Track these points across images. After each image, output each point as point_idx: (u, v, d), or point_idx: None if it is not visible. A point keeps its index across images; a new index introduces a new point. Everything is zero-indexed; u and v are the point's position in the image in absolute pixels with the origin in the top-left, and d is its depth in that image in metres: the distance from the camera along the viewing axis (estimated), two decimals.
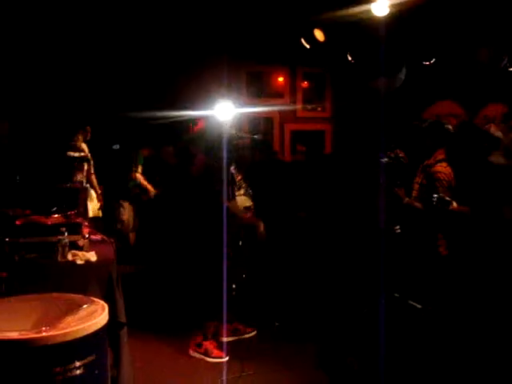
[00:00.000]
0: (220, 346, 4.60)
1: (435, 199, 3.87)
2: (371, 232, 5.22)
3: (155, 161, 7.45)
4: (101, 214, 6.79)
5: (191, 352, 4.56)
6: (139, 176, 7.12)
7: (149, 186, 7.19)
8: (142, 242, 7.41)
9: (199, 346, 4.55)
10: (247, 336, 4.93)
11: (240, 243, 4.56)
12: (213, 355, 4.46)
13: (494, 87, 7.31)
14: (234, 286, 4.51)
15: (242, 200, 4.72)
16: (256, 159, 5.74)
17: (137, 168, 7.09)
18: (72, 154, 6.19)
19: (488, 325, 3.49)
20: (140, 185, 7.13)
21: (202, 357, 4.48)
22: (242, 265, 4.63)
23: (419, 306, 3.69)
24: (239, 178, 4.78)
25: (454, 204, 3.87)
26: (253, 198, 4.85)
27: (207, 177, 4.50)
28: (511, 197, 4.12)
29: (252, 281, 5.50)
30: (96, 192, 6.64)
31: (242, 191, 4.75)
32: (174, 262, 6.36)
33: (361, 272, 5.13)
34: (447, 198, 3.87)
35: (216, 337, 4.68)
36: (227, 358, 4.45)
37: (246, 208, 4.71)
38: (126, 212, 7.13)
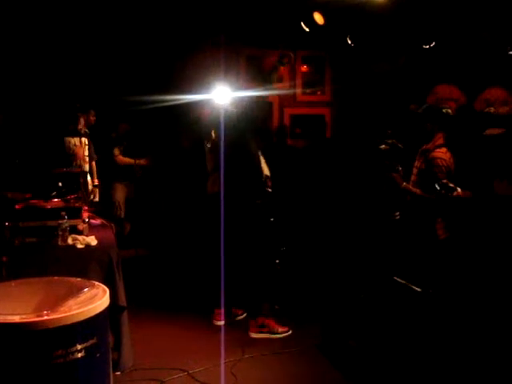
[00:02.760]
0: (279, 319, 4.69)
1: (439, 186, 3.87)
2: (371, 217, 5.23)
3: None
4: (98, 199, 6.78)
5: (253, 335, 4.61)
6: (123, 159, 7.17)
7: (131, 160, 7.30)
8: (140, 226, 7.43)
9: (263, 326, 4.60)
10: (239, 318, 4.96)
11: (272, 219, 4.61)
12: (279, 331, 4.59)
13: (494, 71, 7.28)
14: (277, 261, 4.57)
15: (265, 168, 4.76)
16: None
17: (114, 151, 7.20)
18: (70, 138, 6.16)
19: (488, 309, 3.51)
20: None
21: (269, 335, 4.56)
22: (279, 239, 4.66)
23: (419, 290, 3.71)
24: None
25: (459, 190, 3.87)
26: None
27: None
28: (502, 171, 4.12)
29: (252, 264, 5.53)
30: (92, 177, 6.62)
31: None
32: (177, 245, 6.40)
33: (361, 256, 5.14)
34: (451, 185, 3.86)
35: (274, 312, 4.76)
36: (291, 331, 4.59)
37: (267, 177, 4.72)
38: (117, 194, 7.18)
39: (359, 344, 4.05)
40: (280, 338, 4.55)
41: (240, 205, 4.55)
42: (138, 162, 7.26)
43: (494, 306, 3.46)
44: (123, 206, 7.25)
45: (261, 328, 4.59)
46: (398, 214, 4.52)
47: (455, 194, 3.82)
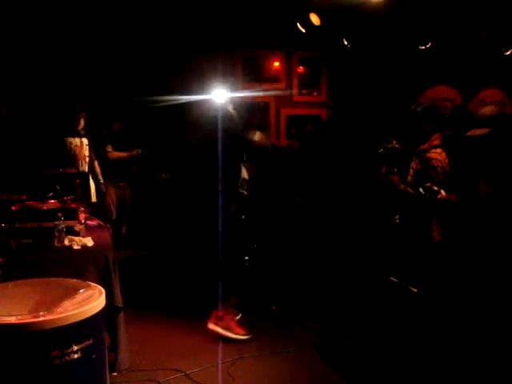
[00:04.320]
0: (240, 322, 4.64)
1: (424, 190, 3.89)
2: (367, 219, 5.24)
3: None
4: (96, 200, 6.78)
5: (211, 326, 4.54)
6: (116, 154, 7.15)
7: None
8: (136, 227, 7.42)
9: (221, 319, 4.55)
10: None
11: (243, 217, 4.57)
12: (235, 331, 4.51)
13: (490, 71, 7.31)
14: (246, 257, 4.52)
15: (244, 172, 4.70)
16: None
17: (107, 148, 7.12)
18: (71, 138, 6.16)
19: (484, 308, 3.52)
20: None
21: (223, 331, 4.49)
22: (251, 236, 4.62)
23: (415, 290, 3.72)
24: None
25: (443, 193, 3.88)
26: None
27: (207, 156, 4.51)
28: (487, 172, 4.15)
29: (248, 264, 5.53)
30: (95, 177, 6.61)
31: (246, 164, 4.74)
32: (173, 246, 6.39)
33: (357, 257, 5.15)
34: (435, 188, 3.87)
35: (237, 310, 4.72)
36: (249, 336, 4.50)
37: (243, 180, 4.68)
38: (109, 196, 7.16)
39: (356, 344, 4.06)
40: (278, 339, 4.54)
41: (210, 206, 4.55)
42: (130, 153, 7.20)
43: (489, 306, 3.48)
44: (115, 208, 7.24)
45: (219, 321, 4.53)
46: (397, 217, 4.52)
47: (439, 196, 3.84)
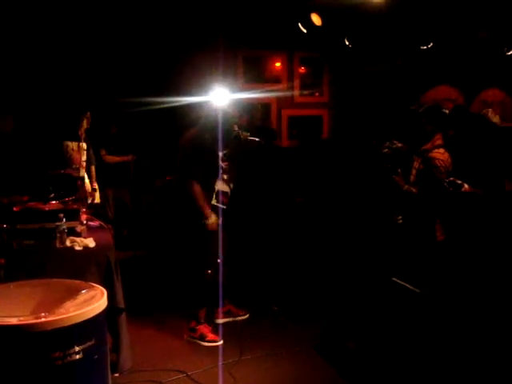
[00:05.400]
0: (215, 329, 4.61)
1: (447, 184, 3.90)
2: (370, 219, 5.23)
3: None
4: (99, 201, 6.77)
5: (186, 337, 4.56)
6: (109, 158, 7.15)
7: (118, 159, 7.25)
8: (138, 227, 7.43)
9: (193, 330, 4.55)
10: (240, 318, 4.94)
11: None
12: (207, 339, 4.47)
13: (491, 72, 7.30)
14: (209, 271, 4.48)
15: (221, 185, 4.59)
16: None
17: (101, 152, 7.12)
18: (69, 142, 6.14)
19: (486, 309, 3.52)
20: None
21: (198, 341, 4.48)
22: (216, 251, 4.55)
23: (417, 291, 3.71)
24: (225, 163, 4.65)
25: (466, 186, 3.90)
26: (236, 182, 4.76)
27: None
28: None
29: (250, 265, 5.54)
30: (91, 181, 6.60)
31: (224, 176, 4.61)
32: (169, 248, 6.40)
33: (359, 257, 5.15)
34: (458, 181, 3.89)
35: (210, 320, 4.69)
36: (222, 342, 4.46)
37: (224, 193, 4.60)
38: (109, 198, 7.16)
39: (358, 345, 4.05)
40: (279, 339, 4.53)
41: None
42: (123, 159, 7.22)
43: (491, 307, 3.47)
44: (111, 209, 7.24)
45: (191, 332, 4.55)
46: (400, 217, 4.52)
47: (463, 190, 3.86)
